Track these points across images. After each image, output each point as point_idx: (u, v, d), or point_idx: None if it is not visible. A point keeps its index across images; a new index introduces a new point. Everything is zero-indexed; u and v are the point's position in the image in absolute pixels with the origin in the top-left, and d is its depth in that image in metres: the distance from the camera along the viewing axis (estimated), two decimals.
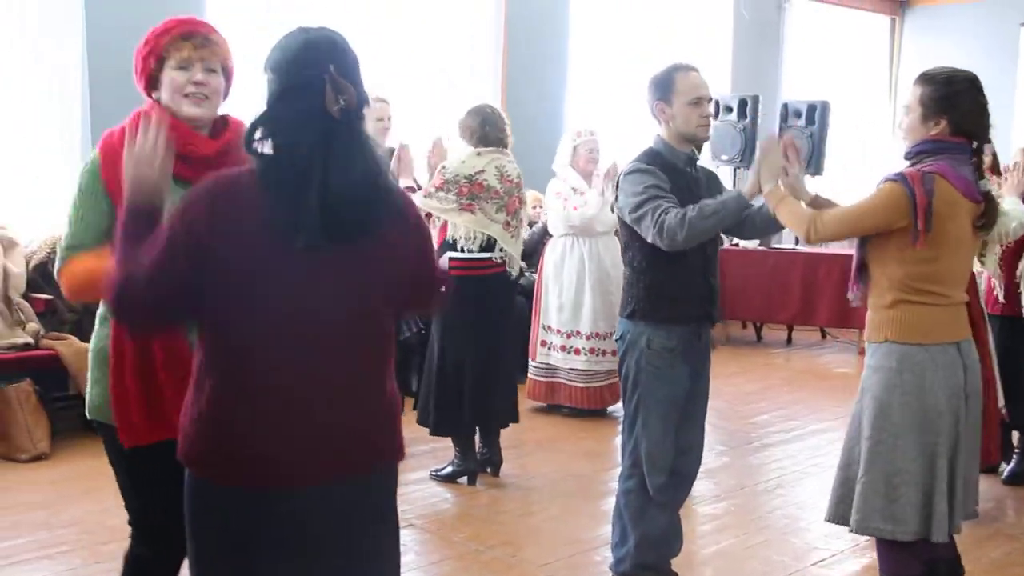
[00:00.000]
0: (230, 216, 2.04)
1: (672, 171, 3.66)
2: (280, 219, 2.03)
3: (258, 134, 2.12)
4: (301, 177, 2.05)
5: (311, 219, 2.03)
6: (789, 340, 9.69)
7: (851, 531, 3.38)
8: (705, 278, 3.69)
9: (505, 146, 5.30)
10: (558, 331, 6.63)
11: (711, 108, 3.78)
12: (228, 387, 2.11)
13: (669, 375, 3.66)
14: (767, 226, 3.70)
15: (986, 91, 3.30)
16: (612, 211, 6.47)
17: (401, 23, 7.82)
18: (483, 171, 5.16)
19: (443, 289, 2.45)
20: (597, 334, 6.56)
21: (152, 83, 2.68)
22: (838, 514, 3.41)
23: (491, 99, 8.23)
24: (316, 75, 2.09)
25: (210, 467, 2.14)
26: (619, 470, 5.66)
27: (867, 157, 11.57)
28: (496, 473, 5.38)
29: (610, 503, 5.13)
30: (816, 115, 9.26)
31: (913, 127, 3.28)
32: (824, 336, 9.88)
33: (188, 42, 2.63)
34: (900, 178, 3.19)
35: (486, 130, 5.24)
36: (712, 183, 3.86)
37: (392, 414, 2.27)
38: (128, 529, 2.84)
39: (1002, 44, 10.95)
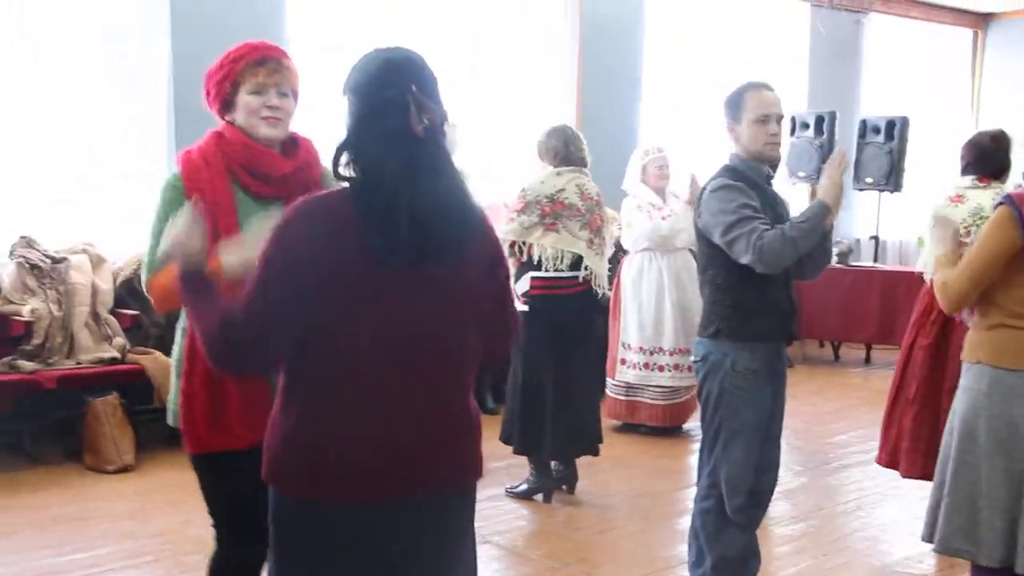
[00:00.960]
0: (323, 238, 2.08)
1: (755, 187, 3.63)
2: (374, 240, 2.06)
3: (344, 158, 2.16)
4: (390, 198, 2.07)
5: (403, 239, 2.06)
6: (868, 359, 9.55)
7: (934, 550, 3.34)
8: (788, 293, 3.66)
9: (585, 165, 5.33)
10: (639, 348, 6.60)
11: (779, 126, 3.71)
12: (316, 406, 2.14)
13: (754, 398, 3.62)
14: (813, 259, 3.67)
15: None
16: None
17: (475, 44, 7.90)
18: (563, 190, 5.18)
19: (515, 331, 2.42)
20: (680, 349, 6.53)
21: (226, 106, 2.77)
22: (931, 535, 3.36)
23: (567, 119, 8.29)
24: (399, 95, 2.11)
25: (296, 485, 2.17)
26: (694, 489, 5.71)
27: (948, 173, 11.35)
28: (572, 491, 5.38)
29: (686, 522, 5.10)
30: (895, 131, 9.14)
31: None
32: None
33: (263, 67, 2.73)
34: (1008, 199, 3.14)
35: (569, 150, 5.27)
36: (784, 204, 3.83)
37: (473, 432, 2.29)
38: (211, 538, 2.90)
39: None
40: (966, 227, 4.67)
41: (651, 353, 6.57)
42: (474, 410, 2.30)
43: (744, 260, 3.47)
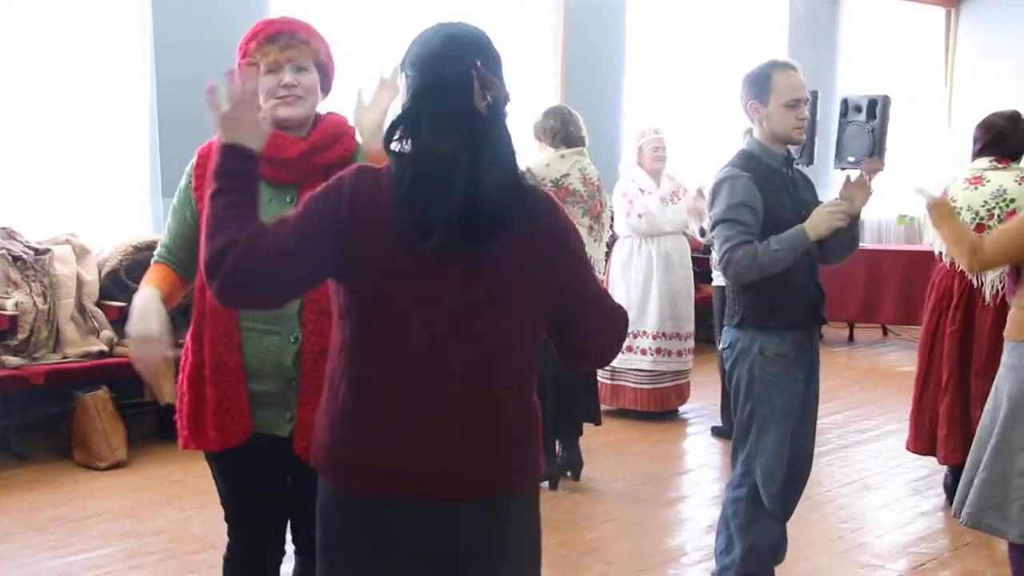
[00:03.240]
0: (369, 211, 1.97)
1: (769, 173, 3.57)
2: (413, 220, 1.95)
3: (398, 133, 2.06)
4: (445, 176, 1.97)
5: (450, 221, 1.95)
6: (851, 338, 9.58)
7: (961, 522, 3.32)
8: (813, 280, 3.61)
9: (584, 145, 5.25)
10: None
11: (806, 110, 3.67)
12: (359, 395, 2.05)
13: (784, 382, 3.56)
14: (841, 248, 3.66)
15: None
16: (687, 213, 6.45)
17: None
18: (568, 175, 5.10)
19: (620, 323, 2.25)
20: (663, 334, 6.48)
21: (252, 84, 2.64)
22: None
23: (550, 100, 8.20)
24: (462, 70, 2.01)
25: (340, 475, 2.09)
26: (695, 472, 5.69)
27: (924, 151, 11.40)
28: (577, 477, 5.33)
29: (690, 506, 5.11)
30: (877, 110, 9.12)
31: None
32: (886, 334, 9.76)
33: (274, 44, 2.55)
34: None
35: (569, 130, 5.19)
36: (809, 185, 3.77)
37: (532, 430, 2.19)
38: (217, 536, 2.84)
39: None
40: (988, 209, 4.65)
41: (634, 336, 6.50)
42: (533, 407, 2.18)
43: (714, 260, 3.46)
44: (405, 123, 2.05)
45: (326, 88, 2.67)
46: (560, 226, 2.13)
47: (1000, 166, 4.71)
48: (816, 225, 3.43)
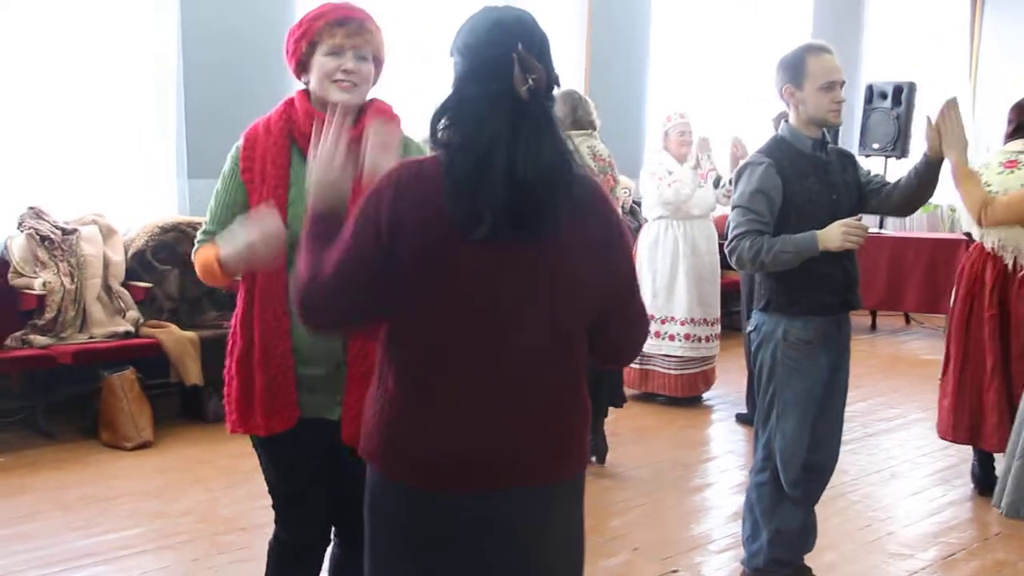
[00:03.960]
0: (415, 205, 1.96)
1: (798, 157, 3.56)
2: (455, 210, 1.94)
3: (443, 121, 2.04)
4: (485, 162, 1.95)
5: (495, 207, 1.93)
6: (873, 326, 9.53)
7: (1002, 513, 3.30)
8: (842, 264, 3.57)
9: (595, 128, 5.27)
10: (651, 317, 6.51)
11: (839, 92, 3.65)
12: (408, 385, 2.04)
13: (806, 367, 3.55)
14: (916, 195, 3.65)
15: None
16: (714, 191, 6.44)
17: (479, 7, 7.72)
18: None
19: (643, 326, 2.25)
20: (692, 320, 6.47)
21: (302, 67, 2.63)
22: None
23: (575, 85, 8.17)
24: (503, 54, 1.99)
25: (390, 465, 2.08)
26: (721, 459, 5.68)
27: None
28: (602, 461, 5.32)
29: (715, 493, 5.10)
30: (903, 96, 9.08)
31: None
32: (908, 322, 9.72)
33: (342, 28, 2.56)
34: None
35: (579, 114, 5.23)
36: (847, 163, 3.73)
37: (581, 422, 2.17)
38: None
39: None
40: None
41: (663, 322, 6.49)
42: (583, 399, 2.16)
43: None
44: (448, 111, 2.04)
45: (376, 80, 2.68)
46: (612, 212, 2.13)
47: None
48: (828, 239, 3.44)
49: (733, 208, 3.59)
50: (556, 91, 2.11)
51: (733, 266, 3.64)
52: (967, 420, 4.90)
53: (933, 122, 3.50)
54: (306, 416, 2.59)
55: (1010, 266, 4.63)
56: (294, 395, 2.56)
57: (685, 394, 6.57)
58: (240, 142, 2.66)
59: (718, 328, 6.62)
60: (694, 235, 6.50)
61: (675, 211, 6.43)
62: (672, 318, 6.49)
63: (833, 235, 3.43)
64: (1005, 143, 4.76)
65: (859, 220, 3.50)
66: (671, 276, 6.49)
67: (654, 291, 6.50)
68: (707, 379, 6.67)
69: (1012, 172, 4.59)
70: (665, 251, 6.51)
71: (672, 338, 6.49)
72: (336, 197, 2.14)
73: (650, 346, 6.48)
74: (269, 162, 2.60)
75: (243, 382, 2.61)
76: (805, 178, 3.54)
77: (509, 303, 2.01)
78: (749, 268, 3.55)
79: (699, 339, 6.49)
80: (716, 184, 6.43)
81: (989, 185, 4.61)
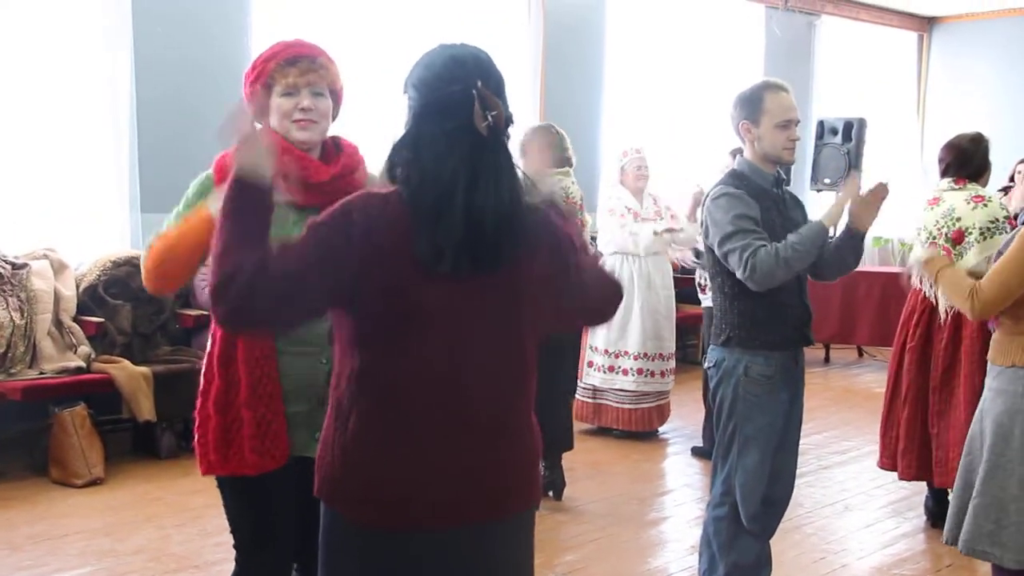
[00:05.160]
0: (381, 235, 1.94)
1: (761, 193, 3.59)
2: (421, 246, 1.94)
3: (400, 156, 2.03)
4: (445, 198, 1.95)
5: (455, 243, 1.94)
6: (827, 359, 9.62)
7: (960, 551, 3.33)
8: (800, 300, 3.61)
9: (571, 165, 5.26)
10: (604, 351, 6.54)
11: (794, 131, 3.68)
12: (374, 424, 2.02)
13: (768, 403, 3.57)
14: (842, 264, 3.65)
15: (1014, 106, 3.26)
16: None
17: (439, 41, 7.76)
18: None
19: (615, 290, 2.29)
20: (645, 354, 6.49)
21: (261, 109, 2.63)
22: (956, 537, 3.34)
23: (530, 120, 8.22)
24: (463, 91, 2.00)
25: (351, 507, 2.05)
26: (677, 492, 5.69)
27: (896, 174, 11.49)
28: (559, 497, 5.31)
29: (672, 526, 5.10)
30: (852, 132, 9.21)
31: None
32: (861, 355, 9.83)
33: (294, 67, 2.58)
34: None
35: (555, 152, 5.20)
36: (799, 206, 3.79)
37: (534, 453, 2.19)
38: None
39: None
40: (938, 228, 4.71)
41: (615, 356, 6.52)
42: (535, 428, 2.18)
43: (737, 275, 3.45)
44: (407, 146, 2.04)
45: (335, 115, 2.70)
46: (564, 237, 2.15)
47: (957, 186, 4.77)
48: (829, 214, 3.45)
49: (726, 238, 3.45)
50: (530, 126, 2.13)
51: (755, 288, 3.41)
52: (891, 448, 5.08)
53: (862, 195, 3.53)
54: (293, 453, 2.58)
55: (932, 299, 4.78)
56: (285, 433, 2.56)
57: (639, 428, 6.58)
58: (211, 172, 2.64)
59: (673, 363, 6.65)
60: (649, 271, 6.53)
61: (634, 250, 6.45)
62: (625, 352, 6.51)
63: (831, 213, 3.46)
64: (940, 180, 4.90)
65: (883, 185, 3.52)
66: (625, 311, 6.48)
67: (608, 325, 6.51)
68: (662, 413, 6.69)
69: (932, 208, 4.75)
70: None
71: (625, 372, 6.51)
72: (260, 166, 1.99)
73: (604, 380, 6.52)
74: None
75: (222, 422, 2.57)
76: (769, 212, 3.57)
77: (472, 340, 2.02)
78: (775, 275, 3.36)
79: (653, 374, 6.51)
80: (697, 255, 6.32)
81: (917, 221, 4.80)
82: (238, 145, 2.00)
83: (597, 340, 6.55)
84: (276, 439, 2.56)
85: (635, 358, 6.50)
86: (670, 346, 6.61)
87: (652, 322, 6.50)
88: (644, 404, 6.56)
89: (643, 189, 6.49)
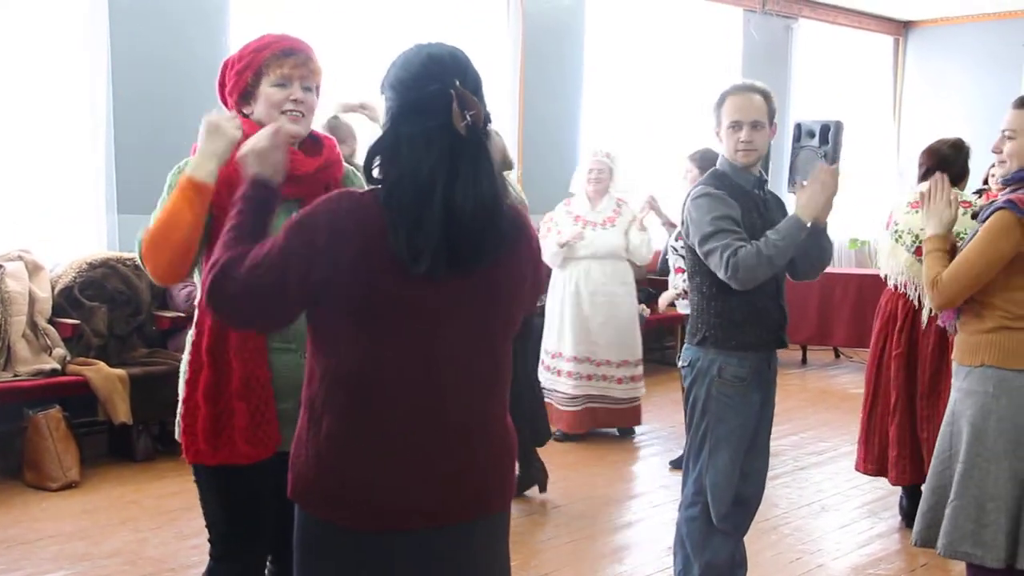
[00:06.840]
0: (352, 238, 1.94)
1: (741, 194, 3.59)
2: (399, 246, 1.93)
3: (379, 159, 2.04)
4: (424, 197, 1.95)
5: (433, 243, 1.94)
6: (804, 360, 9.66)
7: (939, 554, 3.35)
8: (777, 303, 3.63)
9: (510, 168, 5.26)
10: (546, 352, 6.59)
11: (755, 132, 3.62)
12: (345, 425, 2.02)
13: (740, 404, 3.58)
14: (818, 258, 3.65)
15: (989, 110, 3.28)
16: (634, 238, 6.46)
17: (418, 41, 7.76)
18: None
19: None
20: (576, 358, 6.49)
21: (245, 97, 2.63)
22: (927, 538, 3.36)
23: (509, 121, 8.24)
24: (440, 90, 2.00)
25: (325, 507, 2.05)
26: (649, 494, 5.69)
27: (873, 175, 11.57)
28: (543, 488, 5.34)
29: (646, 528, 5.10)
30: (829, 135, 9.24)
31: (1018, 152, 3.24)
32: (838, 356, 9.88)
33: (289, 59, 2.60)
34: (1009, 204, 3.15)
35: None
36: (780, 207, 3.79)
37: (509, 454, 2.19)
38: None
39: (1004, 63, 10.99)
40: (923, 231, 4.72)
41: (552, 356, 6.55)
42: (510, 429, 2.19)
43: (719, 275, 3.44)
44: (386, 146, 2.04)
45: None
46: (533, 238, 2.19)
47: None
48: (802, 207, 3.40)
49: (706, 238, 3.44)
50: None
51: (738, 287, 3.40)
52: (875, 453, 5.10)
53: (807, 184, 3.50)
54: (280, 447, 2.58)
55: (915, 303, 4.81)
56: (276, 424, 2.57)
57: (573, 431, 6.52)
58: (189, 159, 2.62)
59: (640, 369, 6.62)
60: (577, 275, 6.44)
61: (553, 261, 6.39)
62: (560, 354, 6.52)
63: (805, 206, 3.40)
64: (918, 184, 4.92)
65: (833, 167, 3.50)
66: (560, 314, 6.49)
67: (548, 327, 6.56)
68: (596, 418, 6.58)
69: (916, 212, 4.77)
70: (556, 290, 6.51)
71: (559, 374, 6.53)
72: (271, 171, 2.22)
73: (547, 381, 6.51)
74: (229, 191, 2.57)
75: (213, 412, 2.56)
76: (749, 213, 3.57)
77: (449, 341, 2.02)
78: (757, 273, 3.36)
79: (584, 378, 6.47)
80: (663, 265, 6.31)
81: (897, 224, 4.82)
82: (256, 155, 2.19)
83: (547, 341, 6.58)
84: (269, 429, 2.57)
85: (568, 361, 6.50)
86: (636, 352, 6.58)
87: (580, 327, 6.46)
88: (578, 407, 6.50)
89: (602, 192, 6.46)
